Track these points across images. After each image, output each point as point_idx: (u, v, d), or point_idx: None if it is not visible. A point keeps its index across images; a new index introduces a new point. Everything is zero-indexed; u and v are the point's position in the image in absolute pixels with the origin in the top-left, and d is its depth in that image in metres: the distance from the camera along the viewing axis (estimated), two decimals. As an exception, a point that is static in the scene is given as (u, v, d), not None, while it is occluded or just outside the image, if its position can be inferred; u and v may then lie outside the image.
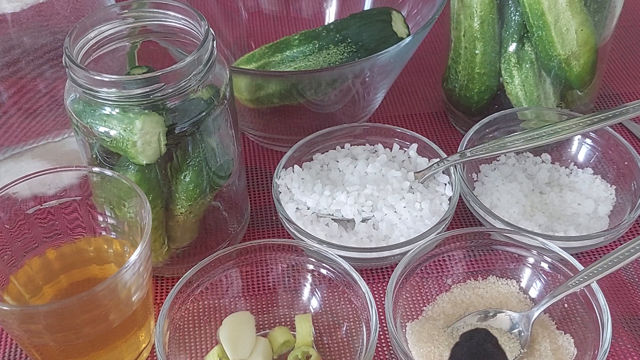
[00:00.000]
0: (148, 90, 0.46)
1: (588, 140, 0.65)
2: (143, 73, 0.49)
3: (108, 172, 0.50)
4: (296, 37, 0.67)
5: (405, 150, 0.65)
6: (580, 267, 0.52)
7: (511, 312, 0.52)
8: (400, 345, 0.48)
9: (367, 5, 0.77)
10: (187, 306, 0.52)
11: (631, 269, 0.58)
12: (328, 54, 0.65)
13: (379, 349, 0.54)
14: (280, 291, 0.56)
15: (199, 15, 0.51)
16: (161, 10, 0.52)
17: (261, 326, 0.54)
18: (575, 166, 0.65)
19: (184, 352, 0.52)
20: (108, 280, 0.44)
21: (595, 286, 0.50)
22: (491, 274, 0.56)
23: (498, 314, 0.53)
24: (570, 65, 0.62)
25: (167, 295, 0.53)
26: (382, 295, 0.57)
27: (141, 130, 0.47)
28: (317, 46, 0.65)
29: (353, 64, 0.63)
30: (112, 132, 0.48)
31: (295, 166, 0.63)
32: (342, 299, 0.54)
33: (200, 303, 0.53)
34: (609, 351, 0.48)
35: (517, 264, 0.56)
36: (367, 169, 0.62)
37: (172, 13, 0.52)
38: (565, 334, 0.52)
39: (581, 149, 0.65)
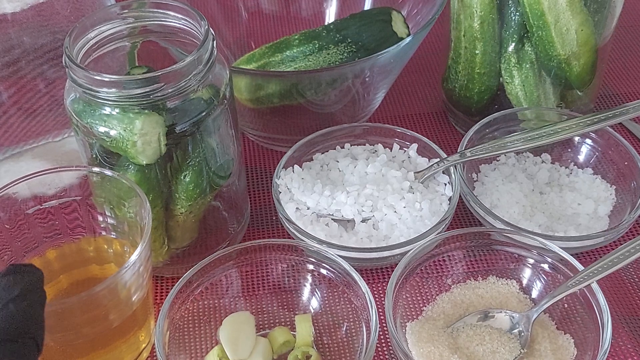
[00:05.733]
0: (148, 90, 0.46)
1: (588, 140, 0.65)
2: (143, 73, 0.49)
3: (108, 172, 0.50)
4: (296, 37, 0.67)
5: (405, 150, 0.65)
6: (580, 267, 0.52)
7: (511, 312, 0.52)
8: (400, 345, 0.48)
9: (367, 5, 0.77)
10: (187, 306, 0.53)
11: (631, 269, 0.58)
12: (328, 54, 0.65)
13: (379, 349, 0.54)
14: (280, 291, 0.56)
15: (199, 15, 0.51)
16: (161, 10, 0.52)
17: (261, 326, 0.54)
18: (575, 166, 0.65)
19: (184, 352, 0.52)
20: (108, 280, 0.44)
21: (595, 286, 0.50)
22: (491, 274, 0.56)
23: (498, 314, 0.53)
24: (570, 65, 0.62)
25: (167, 295, 0.53)
26: (382, 295, 0.57)
27: (141, 130, 0.47)
28: (317, 46, 0.65)
29: (353, 64, 0.63)
30: (112, 132, 0.48)
31: (295, 166, 0.63)
32: (342, 299, 0.54)
33: (200, 303, 0.53)
34: (609, 351, 0.48)
35: (517, 264, 0.56)
36: (367, 169, 0.62)
37: (172, 13, 0.52)
38: (565, 334, 0.52)
39: (581, 149, 0.65)
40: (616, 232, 0.56)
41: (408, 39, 0.61)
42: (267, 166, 0.70)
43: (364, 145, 0.66)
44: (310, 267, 0.55)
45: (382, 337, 0.54)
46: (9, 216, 0.50)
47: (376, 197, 0.59)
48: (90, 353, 0.48)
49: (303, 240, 0.56)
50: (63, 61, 0.48)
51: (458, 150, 0.61)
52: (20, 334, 0.35)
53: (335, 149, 0.66)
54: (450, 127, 0.74)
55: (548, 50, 0.61)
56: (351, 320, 0.53)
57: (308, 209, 0.60)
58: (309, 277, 0.55)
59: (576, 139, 0.65)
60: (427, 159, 0.64)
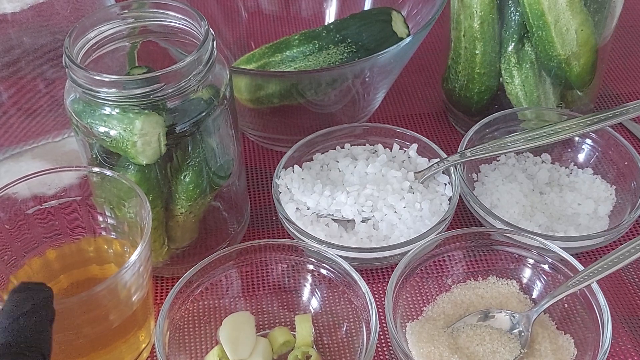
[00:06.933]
0: (148, 90, 0.46)
1: (588, 140, 0.65)
2: (143, 73, 0.49)
3: (108, 172, 0.50)
4: (296, 37, 0.67)
5: (405, 151, 0.65)
6: (580, 267, 0.52)
7: (511, 312, 0.52)
8: (400, 346, 0.48)
9: (367, 5, 0.77)
10: (187, 306, 0.53)
11: (631, 269, 0.58)
12: (328, 54, 0.65)
13: (379, 349, 0.54)
14: (280, 291, 0.56)
15: (199, 15, 0.51)
16: (161, 10, 0.52)
17: (261, 326, 0.54)
18: (575, 166, 0.65)
19: (184, 352, 0.52)
20: (108, 281, 0.44)
21: (595, 286, 0.50)
22: (491, 274, 0.56)
23: (498, 314, 0.53)
24: (570, 65, 0.62)
25: (167, 295, 0.53)
26: (382, 295, 0.57)
27: (141, 130, 0.47)
28: (317, 46, 0.65)
29: (353, 64, 0.63)
30: (112, 132, 0.48)
31: (295, 166, 0.63)
32: (342, 299, 0.54)
33: (200, 303, 0.53)
34: (609, 351, 0.48)
35: (517, 264, 0.56)
36: (367, 169, 0.62)
37: (172, 13, 0.52)
38: (565, 334, 0.52)
39: (581, 149, 0.65)
40: (616, 232, 0.56)
41: (408, 39, 0.61)
42: (267, 166, 0.70)
43: (364, 145, 0.66)
44: (310, 267, 0.55)
45: (382, 337, 0.54)
46: (9, 216, 0.50)
47: (376, 197, 0.59)
48: (90, 353, 0.48)
49: (303, 241, 0.56)
50: (63, 61, 0.48)
51: (458, 150, 0.61)
52: (29, 347, 0.37)
53: (335, 149, 0.66)
54: (450, 127, 0.74)
55: (548, 50, 0.61)
56: (351, 320, 0.53)
57: (308, 209, 0.60)
58: (309, 277, 0.55)
59: (576, 139, 0.65)
60: (427, 159, 0.64)
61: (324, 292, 0.55)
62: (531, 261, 0.55)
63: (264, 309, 0.55)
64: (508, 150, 0.60)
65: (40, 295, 0.39)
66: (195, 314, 0.53)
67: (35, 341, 0.37)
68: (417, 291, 0.55)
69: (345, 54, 0.65)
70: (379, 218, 0.58)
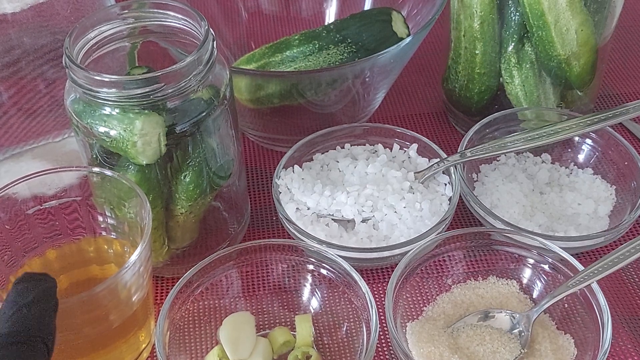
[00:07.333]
0: (148, 90, 0.46)
1: (588, 140, 0.65)
2: (143, 73, 0.49)
3: (108, 172, 0.50)
4: (296, 37, 0.67)
5: (405, 151, 0.65)
6: (580, 267, 0.52)
7: (511, 312, 0.52)
8: (401, 346, 0.48)
9: (367, 5, 0.77)
10: (187, 306, 0.53)
11: (631, 269, 0.58)
12: (328, 54, 0.65)
13: (379, 349, 0.54)
14: (281, 291, 0.56)
15: (199, 16, 0.51)
16: (161, 11, 0.52)
17: (261, 326, 0.54)
18: (575, 166, 0.65)
19: (184, 352, 0.52)
20: (108, 281, 0.44)
21: (595, 286, 0.50)
22: (491, 274, 0.56)
23: (498, 314, 0.53)
24: (570, 65, 0.62)
25: (167, 295, 0.53)
26: (382, 295, 0.57)
27: (141, 130, 0.47)
28: (317, 46, 0.65)
29: (353, 64, 0.63)
30: (112, 133, 0.48)
31: (295, 166, 0.63)
32: (342, 299, 0.54)
33: (201, 303, 0.53)
34: (609, 351, 0.48)
35: (517, 264, 0.56)
36: (367, 169, 0.62)
37: (172, 13, 0.52)
38: (565, 334, 0.52)
39: (581, 149, 0.65)
40: (616, 232, 0.56)
41: (408, 39, 0.61)
42: (267, 166, 0.70)
43: (364, 145, 0.66)
44: (311, 267, 0.55)
45: (382, 337, 0.54)
46: (9, 216, 0.50)
47: (376, 197, 0.59)
48: (90, 353, 0.48)
49: (303, 241, 0.56)
50: (63, 61, 0.48)
51: (458, 150, 0.61)
52: (32, 337, 0.37)
53: (335, 149, 0.66)
54: (450, 127, 0.74)
55: (548, 50, 0.61)
56: (351, 320, 0.53)
57: (308, 209, 0.60)
58: (309, 277, 0.55)
59: (576, 139, 0.65)
60: (427, 159, 0.64)
61: (324, 292, 0.55)
62: (531, 261, 0.55)
63: (264, 309, 0.55)
64: (508, 150, 0.60)
65: (43, 285, 0.39)
66: (195, 314, 0.53)
67: (39, 331, 0.37)
68: (417, 291, 0.55)
69: (345, 54, 0.65)
70: (379, 218, 0.58)
